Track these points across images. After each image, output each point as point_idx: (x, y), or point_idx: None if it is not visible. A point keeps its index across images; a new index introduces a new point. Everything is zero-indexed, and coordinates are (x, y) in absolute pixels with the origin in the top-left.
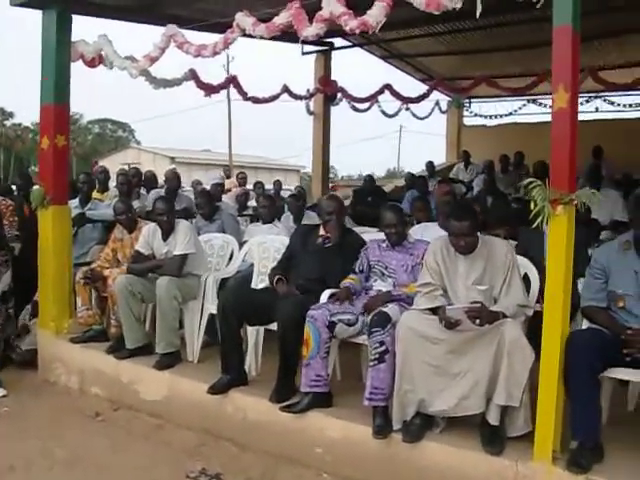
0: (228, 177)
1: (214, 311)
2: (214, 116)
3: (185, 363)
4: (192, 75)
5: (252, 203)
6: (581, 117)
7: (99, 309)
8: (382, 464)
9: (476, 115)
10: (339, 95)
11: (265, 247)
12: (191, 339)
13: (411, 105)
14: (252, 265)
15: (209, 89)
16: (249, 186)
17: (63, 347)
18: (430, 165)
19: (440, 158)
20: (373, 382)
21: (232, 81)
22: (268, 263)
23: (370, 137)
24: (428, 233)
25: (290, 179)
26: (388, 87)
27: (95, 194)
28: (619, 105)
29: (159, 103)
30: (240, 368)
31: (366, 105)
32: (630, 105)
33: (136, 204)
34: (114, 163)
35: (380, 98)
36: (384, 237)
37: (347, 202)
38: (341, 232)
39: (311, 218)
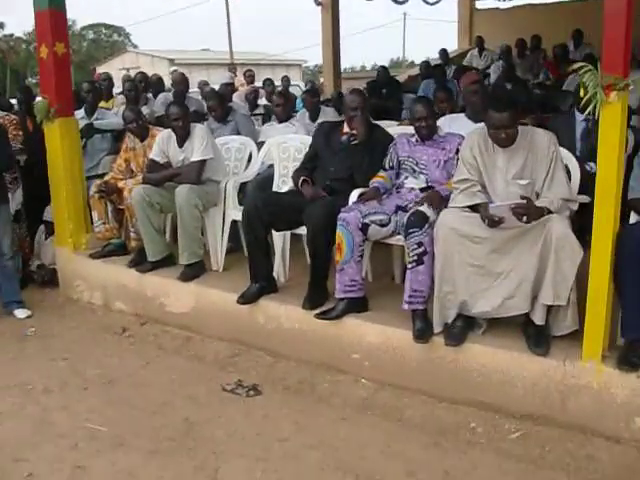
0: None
1: (237, 217)
2: (209, 13)
3: (210, 273)
4: None
5: (262, 101)
6: None
7: (116, 222)
8: (423, 368)
9: None
10: None
11: (285, 147)
12: (214, 248)
13: None
14: (271, 166)
15: None
16: (257, 83)
17: (83, 263)
18: (444, 53)
19: (447, 45)
20: (412, 285)
21: None
22: (289, 164)
23: (371, 27)
24: (456, 125)
25: (293, 74)
26: None
27: (101, 103)
28: None
29: (153, 4)
30: (269, 275)
31: None
32: None
33: (145, 110)
34: (112, 69)
35: None
36: (412, 131)
37: None
38: (367, 128)
39: (327, 114)
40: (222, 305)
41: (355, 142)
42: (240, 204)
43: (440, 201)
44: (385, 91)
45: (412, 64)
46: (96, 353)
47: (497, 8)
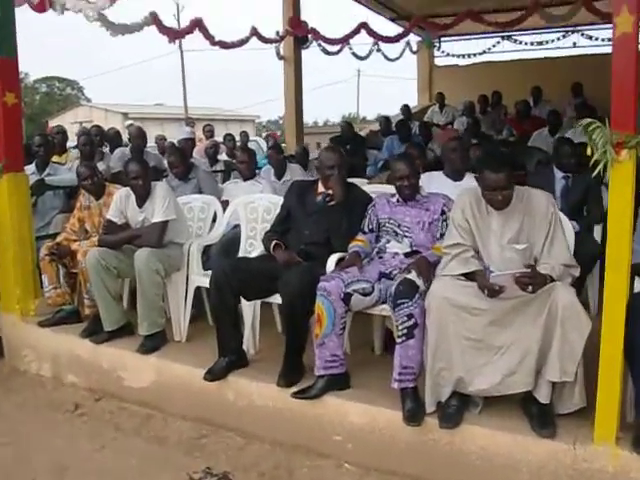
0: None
1: (201, 283)
2: (163, 69)
3: (172, 343)
4: (153, 19)
5: (222, 157)
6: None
7: (68, 287)
8: (415, 451)
9: (448, 55)
10: (310, 37)
11: (253, 207)
12: (177, 316)
13: (382, 46)
14: (236, 227)
15: (173, 34)
16: (217, 138)
17: (31, 331)
18: (406, 108)
19: (401, 102)
20: (401, 361)
21: (197, 24)
22: (257, 225)
23: (328, 83)
24: (434, 184)
25: (246, 130)
26: (364, 26)
27: (54, 157)
28: (597, 39)
29: (107, 58)
30: (239, 348)
31: (337, 47)
32: (609, 39)
33: (101, 166)
34: (65, 122)
35: (351, 40)
36: (389, 190)
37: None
38: (344, 187)
39: (294, 171)
40: (186, 380)
41: (332, 203)
42: (204, 268)
43: (429, 268)
44: (349, 147)
45: (364, 120)
46: (45, 435)
47: (456, 65)
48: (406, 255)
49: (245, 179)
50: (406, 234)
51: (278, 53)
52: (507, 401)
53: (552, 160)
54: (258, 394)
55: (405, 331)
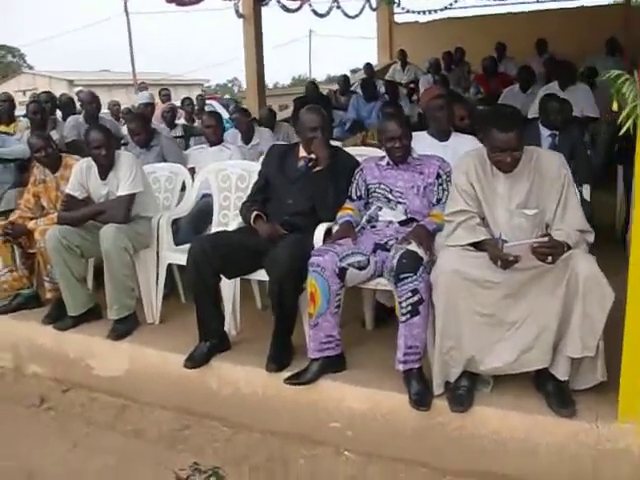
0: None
1: (173, 260)
2: (108, 35)
3: (145, 326)
4: None
5: (179, 121)
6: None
7: (26, 269)
8: (422, 437)
9: (408, 11)
10: None
11: (225, 175)
12: (148, 297)
13: (342, 3)
14: (204, 197)
15: None
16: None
17: None
18: (369, 67)
19: (349, 64)
20: (406, 341)
21: None
22: (231, 194)
23: (276, 45)
24: (420, 145)
25: (194, 94)
26: None
27: (0, 127)
28: None
29: (49, 23)
30: (220, 331)
31: (297, 4)
32: None
33: (54, 135)
34: (7, 90)
35: None
36: (380, 154)
37: (283, 113)
38: (329, 151)
39: (263, 134)
40: (163, 367)
41: (317, 169)
42: (175, 243)
43: (429, 237)
44: None
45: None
46: (8, 434)
47: (417, 22)
48: (401, 223)
49: (212, 145)
50: (399, 200)
51: (237, 11)
52: (519, 378)
53: (539, 117)
54: (245, 380)
55: (409, 308)
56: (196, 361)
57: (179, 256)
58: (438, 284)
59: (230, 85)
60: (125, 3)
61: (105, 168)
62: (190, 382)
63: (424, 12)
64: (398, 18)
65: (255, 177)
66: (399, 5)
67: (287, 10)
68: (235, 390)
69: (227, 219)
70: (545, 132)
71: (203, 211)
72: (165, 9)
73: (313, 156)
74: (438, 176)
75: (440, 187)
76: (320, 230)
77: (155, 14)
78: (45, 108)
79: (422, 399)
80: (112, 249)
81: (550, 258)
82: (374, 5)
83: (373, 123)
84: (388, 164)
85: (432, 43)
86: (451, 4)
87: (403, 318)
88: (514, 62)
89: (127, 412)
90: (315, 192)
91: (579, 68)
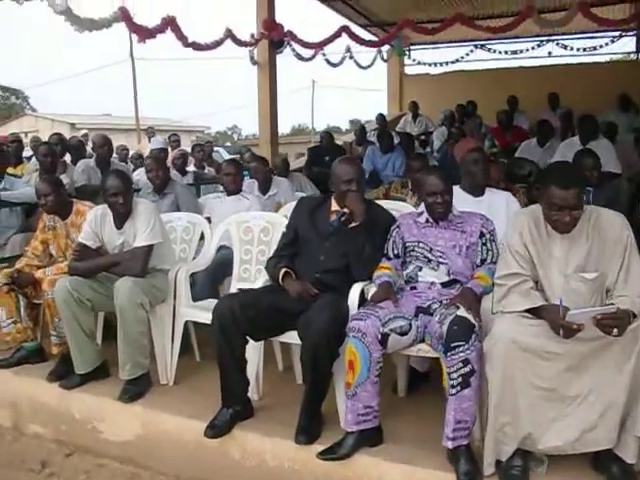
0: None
1: (191, 317)
2: (111, 80)
3: (158, 387)
4: (123, 15)
5: (189, 168)
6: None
7: (31, 321)
8: None
9: (419, 63)
10: (286, 41)
11: (247, 227)
12: (163, 356)
13: (355, 54)
14: (220, 249)
15: (144, 33)
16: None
17: None
18: (382, 117)
19: (350, 115)
20: (456, 415)
21: (170, 23)
22: (252, 248)
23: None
24: (454, 199)
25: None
26: (346, 29)
27: (8, 169)
28: (572, 49)
29: (54, 67)
30: (245, 397)
31: (312, 53)
32: (584, 49)
33: (64, 179)
34: (8, 133)
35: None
36: (417, 210)
37: (293, 163)
38: (364, 206)
39: (280, 185)
40: (178, 434)
41: (353, 224)
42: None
43: (477, 302)
44: (328, 158)
45: (316, 132)
46: None
47: (427, 74)
48: (444, 285)
49: (229, 194)
50: (440, 260)
51: (252, 58)
52: (575, 457)
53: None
54: (271, 452)
55: (460, 380)
56: (219, 429)
57: (198, 313)
58: (493, 354)
59: (230, 133)
60: (131, 48)
61: (122, 217)
62: (210, 451)
63: (435, 64)
64: (409, 70)
65: (279, 230)
66: (410, 57)
67: (301, 59)
68: (260, 462)
69: (248, 274)
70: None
71: (221, 264)
72: (167, 56)
73: (347, 210)
74: (481, 235)
75: (484, 247)
76: (356, 290)
77: (157, 61)
78: (55, 151)
79: None
80: (127, 304)
81: (616, 330)
82: (385, 56)
83: (389, 175)
84: (427, 221)
85: (443, 95)
86: (462, 57)
87: (453, 391)
88: (525, 116)
89: None
90: (349, 249)
91: None
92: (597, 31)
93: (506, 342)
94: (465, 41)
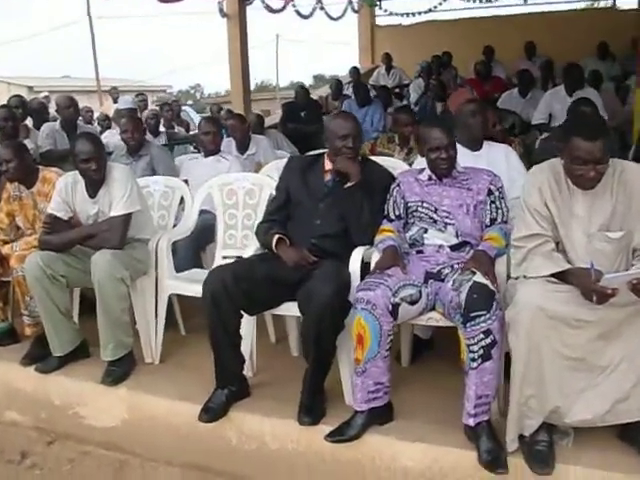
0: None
1: (176, 290)
2: (69, 41)
3: (143, 367)
4: None
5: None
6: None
7: (0, 300)
8: None
9: (391, 14)
10: None
11: (231, 190)
12: (147, 333)
13: (326, 5)
14: (201, 213)
15: None
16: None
17: None
18: (355, 71)
19: (314, 69)
20: (477, 390)
21: None
22: (237, 212)
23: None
24: None
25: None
26: None
27: None
28: None
29: (8, 29)
30: (241, 375)
31: (282, 4)
32: None
33: (27, 145)
34: None
35: None
36: (418, 167)
37: (270, 119)
38: (361, 164)
39: (260, 143)
40: (168, 417)
41: (349, 184)
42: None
43: (492, 266)
44: (304, 114)
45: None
46: None
47: (400, 25)
48: (452, 248)
49: (208, 154)
50: (447, 221)
51: (221, 10)
52: (600, 429)
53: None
54: (272, 434)
55: (481, 352)
56: (214, 413)
57: (183, 285)
58: (518, 323)
59: (192, 92)
60: (88, 6)
61: (95, 184)
62: (204, 435)
63: (407, 15)
64: (380, 21)
65: (266, 192)
66: (381, 8)
67: (271, 10)
68: (260, 445)
69: (234, 240)
70: None
71: (203, 231)
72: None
73: (341, 169)
74: (490, 192)
75: (493, 205)
76: (357, 256)
77: (116, 19)
78: (16, 114)
79: (496, 458)
80: (107, 280)
81: None
82: (356, 7)
83: (368, 129)
84: (430, 179)
85: (416, 47)
86: (435, 7)
87: (474, 364)
88: (502, 66)
89: (126, 469)
90: (347, 211)
91: None
92: None
93: (532, 309)
94: None
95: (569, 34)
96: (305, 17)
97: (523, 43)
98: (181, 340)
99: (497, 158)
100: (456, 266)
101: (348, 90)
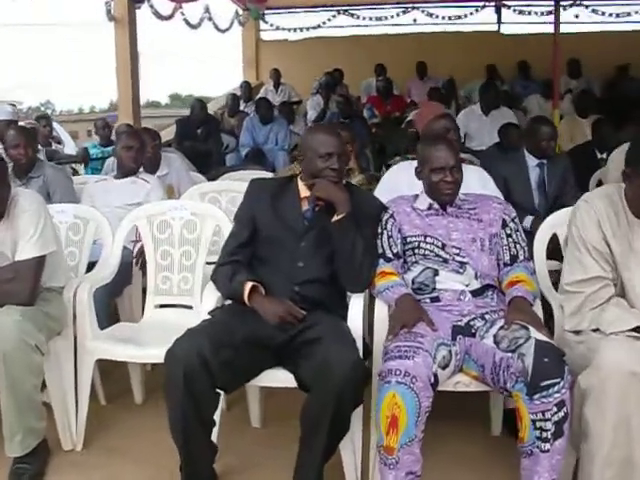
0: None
1: (106, 355)
2: None
3: (62, 457)
4: None
5: None
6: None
7: None
8: None
9: (277, 29)
10: None
11: (164, 221)
12: (64, 411)
13: (215, 15)
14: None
15: None
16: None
17: None
18: (247, 85)
19: (177, 87)
20: (551, 474)
21: None
22: (173, 250)
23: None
24: (408, 177)
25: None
26: None
27: None
28: (437, 17)
29: None
30: (211, 471)
31: (171, 9)
32: (450, 17)
33: None
34: None
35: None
36: (410, 193)
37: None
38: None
39: (173, 163)
40: None
41: (339, 217)
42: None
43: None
44: (201, 130)
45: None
46: None
47: (286, 40)
48: (474, 293)
49: (124, 174)
50: (460, 259)
51: (109, 11)
52: None
53: (524, 144)
54: None
55: (553, 429)
56: None
57: (113, 348)
58: (605, 393)
59: (43, 108)
60: None
61: None
62: None
63: (294, 30)
64: (265, 36)
65: (209, 225)
66: (267, 22)
67: (160, 17)
68: None
69: (169, 284)
70: (532, 161)
71: (119, 271)
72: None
73: (322, 196)
74: (504, 224)
75: (510, 239)
76: (358, 308)
77: None
78: None
79: None
80: (15, 350)
81: None
82: (242, 20)
83: (273, 149)
84: (430, 208)
85: (304, 63)
86: (324, 22)
87: (545, 445)
88: (395, 84)
89: None
90: (337, 251)
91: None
92: (462, 0)
93: (624, 376)
94: (327, 6)
95: (458, 55)
96: (194, 27)
97: (414, 63)
98: (102, 413)
99: (470, 183)
100: (487, 317)
101: (246, 107)
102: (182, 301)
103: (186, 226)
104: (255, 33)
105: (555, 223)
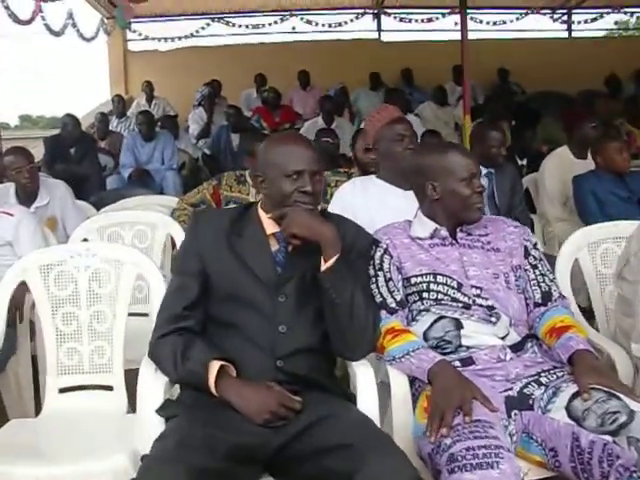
0: None
1: None
2: None
3: None
4: None
5: None
6: None
7: None
8: None
9: (146, 38)
10: None
11: (64, 272)
12: None
13: (80, 22)
14: None
15: None
16: None
17: None
18: (121, 101)
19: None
20: None
21: None
22: (79, 311)
23: None
24: (370, 195)
25: None
26: None
27: None
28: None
29: None
30: None
31: (30, 12)
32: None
33: None
34: None
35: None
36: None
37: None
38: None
39: (52, 190)
40: None
41: (329, 264)
42: None
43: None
44: (75, 150)
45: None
46: None
47: (156, 50)
48: (514, 348)
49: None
50: (479, 301)
51: None
52: None
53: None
54: None
55: None
56: None
57: (10, 469)
58: None
59: None
60: None
61: None
62: None
63: (165, 39)
64: (133, 46)
65: (129, 273)
66: (134, 31)
67: (18, 22)
68: None
69: (78, 359)
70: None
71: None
72: None
73: (297, 233)
74: (526, 252)
75: (537, 271)
76: (371, 385)
77: None
78: None
79: None
80: None
81: None
82: (108, 28)
83: (160, 168)
84: (434, 236)
85: (177, 75)
86: (197, 31)
87: None
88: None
89: None
90: (336, 306)
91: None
92: (341, 8)
93: None
94: (198, 14)
95: (339, 64)
96: (56, 34)
97: (295, 72)
98: None
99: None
100: (544, 380)
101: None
102: (96, 380)
103: (95, 277)
104: (123, 43)
105: (574, 248)
